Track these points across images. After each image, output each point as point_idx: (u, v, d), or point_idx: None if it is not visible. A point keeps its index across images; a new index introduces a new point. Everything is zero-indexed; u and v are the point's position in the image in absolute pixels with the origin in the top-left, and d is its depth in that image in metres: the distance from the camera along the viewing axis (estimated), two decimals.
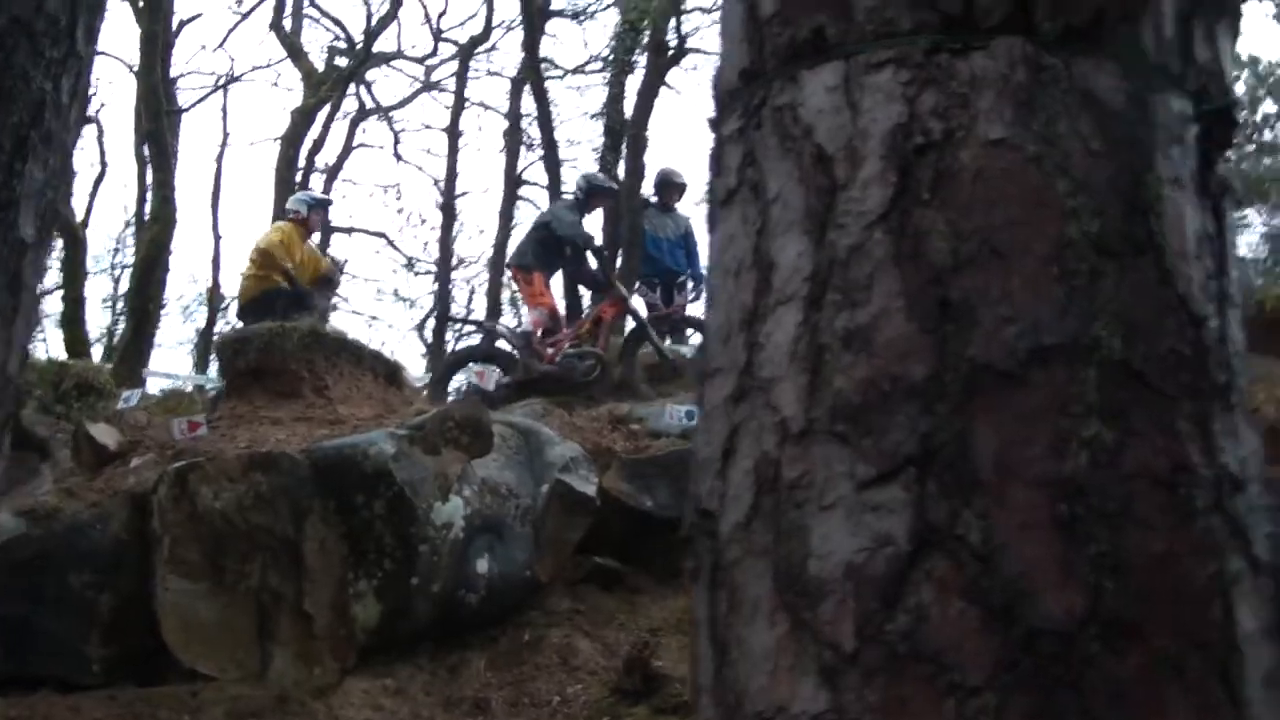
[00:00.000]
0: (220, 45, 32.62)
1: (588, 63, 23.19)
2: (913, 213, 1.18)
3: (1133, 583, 1.09)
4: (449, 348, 25.20)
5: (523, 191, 23.62)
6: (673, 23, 18.45)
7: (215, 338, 19.02)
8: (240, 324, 12.39)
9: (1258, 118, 25.98)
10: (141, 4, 17.86)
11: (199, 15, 32.54)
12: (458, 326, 26.61)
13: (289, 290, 12.06)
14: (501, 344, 12.13)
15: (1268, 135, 25.82)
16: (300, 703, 6.92)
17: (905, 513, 1.11)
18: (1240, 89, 25.65)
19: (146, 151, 18.51)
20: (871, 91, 1.24)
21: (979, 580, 1.08)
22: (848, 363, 1.16)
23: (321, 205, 13.49)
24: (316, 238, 13.74)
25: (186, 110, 22.86)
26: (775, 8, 1.31)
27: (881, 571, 1.10)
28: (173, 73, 20.95)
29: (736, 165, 1.32)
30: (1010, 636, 1.06)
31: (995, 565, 1.08)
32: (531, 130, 21.96)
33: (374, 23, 23.87)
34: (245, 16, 24.66)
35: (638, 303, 11.62)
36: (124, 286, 23.77)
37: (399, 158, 26.98)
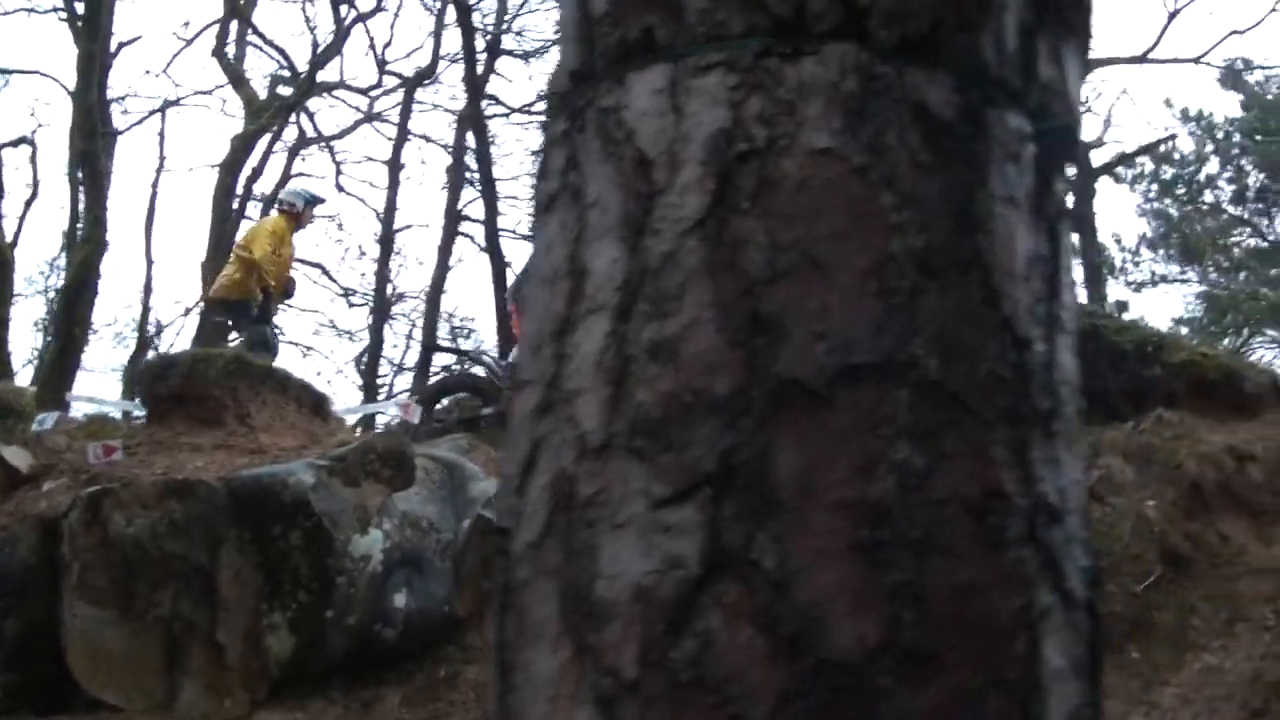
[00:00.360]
0: (164, 70, 32.53)
1: (534, 101, 23.23)
2: (730, 221, 1.13)
3: (933, 613, 1.03)
4: (385, 382, 25.09)
5: (463, 227, 23.56)
6: None
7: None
8: (209, 315, 12.28)
9: (1201, 177, 26.31)
10: (80, 24, 17.68)
11: (138, 38, 32.37)
12: (396, 362, 26.56)
13: (260, 310, 12.10)
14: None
15: (1209, 196, 26.13)
16: None
17: (698, 534, 1.05)
18: (1189, 145, 25.99)
19: (81, 173, 18.29)
20: (697, 95, 1.18)
21: (771, 607, 1.02)
22: (652, 375, 1.10)
23: (316, 202, 13.50)
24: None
25: (122, 133, 22.63)
26: (606, 7, 1.26)
27: (670, 595, 1.04)
28: (111, 95, 20.73)
29: (559, 169, 1.26)
30: (798, 667, 1.00)
31: (788, 592, 1.02)
32: (475, 165, 21.94)
33: (318, 52, 23.76)
34: (189, 43, 24.55)
35: None
36: None
37: (340, 188, 26.78)
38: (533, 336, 1.24)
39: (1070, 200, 1.29)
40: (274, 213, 13.16)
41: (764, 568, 1.03)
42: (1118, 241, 27.02)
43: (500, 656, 1.14)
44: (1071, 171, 1.30)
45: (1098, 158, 20.84)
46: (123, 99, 22.90)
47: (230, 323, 12.25)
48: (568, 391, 1.15)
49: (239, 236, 13.37)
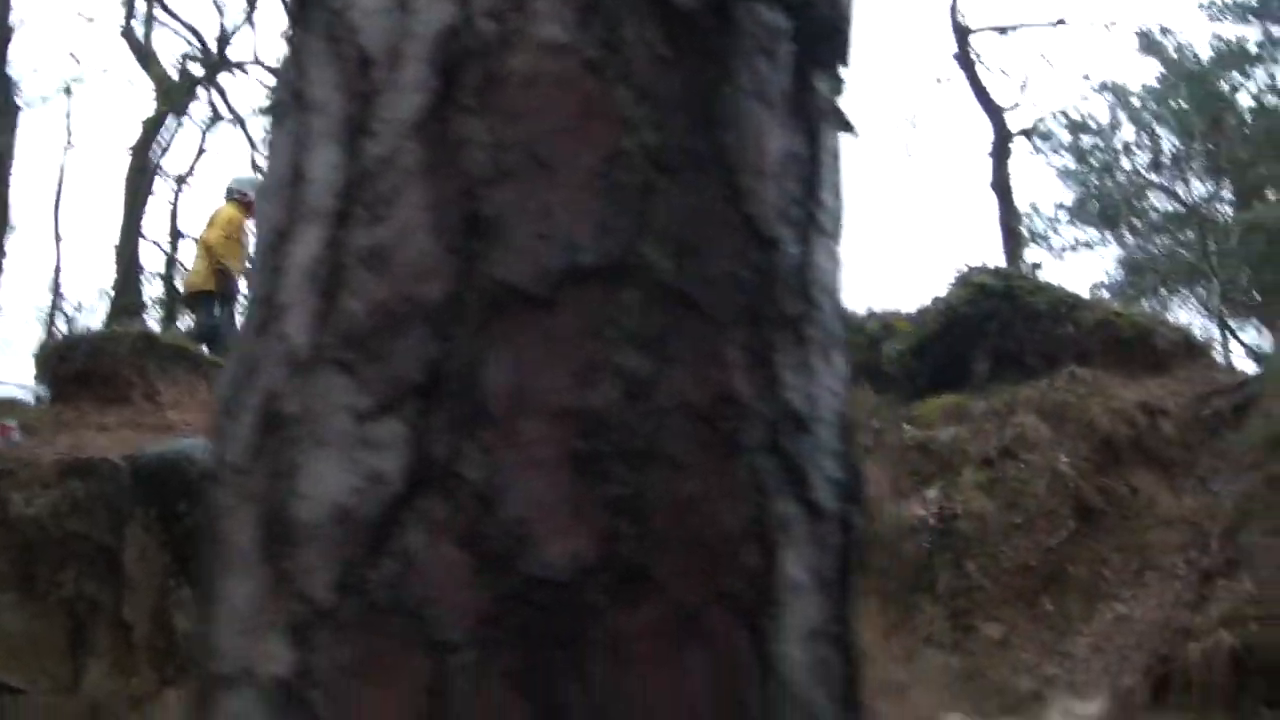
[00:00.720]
0: (71, 52, 32.09)
1: None
2: (452, 120, 1.05)
3: (653, 527, 0.96)
4: None
5: None
6: None
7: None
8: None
9: (1117, 144, 26.52)
10: None
11: (42, 14, 31.85)
12: None
13: (222, 292, 11.95)
14: None
15: (1125, 163, 26.35)
16: (115, 714, 6.71)
17: (403, 448, 0.97)
18: (1105, 116, 26.17)
19: None
20: None
21: (476, 523, 0.94)
22: (364, 284, 1.03)
23: None
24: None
25: (23, 111, 22.05)
26: None
27: (371, 514, 0.96)
28: (14, 73, 20.17)
29: (289, 77, 1.18)
30: (502, 586, 0.93)
31: (495, 507, 0.95)
32: None
33: (227, 28, 23.22)
34: (94, 20, 24.04)
35: None
36: None
37: (256, 167, 26.25)
38: (257, 252, 1.16)
39: (840, 101, 1.22)
40: (224, 203, 12.88)
41: (470, 482, 0.95)
42: (1036, 210, 27.22)
43: (203, 588, 1.07)
44: (842, 70, 1.23)
45: (1015, 122, 20.93)
46: (24, 79, 22.38)
47: (208, 309, 12.09)
48: (280, 305, 1.07)
49: (202, 230, 13.12)
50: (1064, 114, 23.88)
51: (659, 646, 0.94)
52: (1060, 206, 27.34)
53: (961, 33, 20.61)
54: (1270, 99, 25.31)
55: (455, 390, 0.98)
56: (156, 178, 21.72)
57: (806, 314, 1.10)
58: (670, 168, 1.05)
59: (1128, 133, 26.69)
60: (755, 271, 1.06)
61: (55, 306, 24.14)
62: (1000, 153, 20.17)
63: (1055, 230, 27.17)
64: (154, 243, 23.11)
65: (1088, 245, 26.92)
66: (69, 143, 28.22)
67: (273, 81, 24.62)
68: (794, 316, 1.09)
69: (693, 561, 0.97)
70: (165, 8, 23.63)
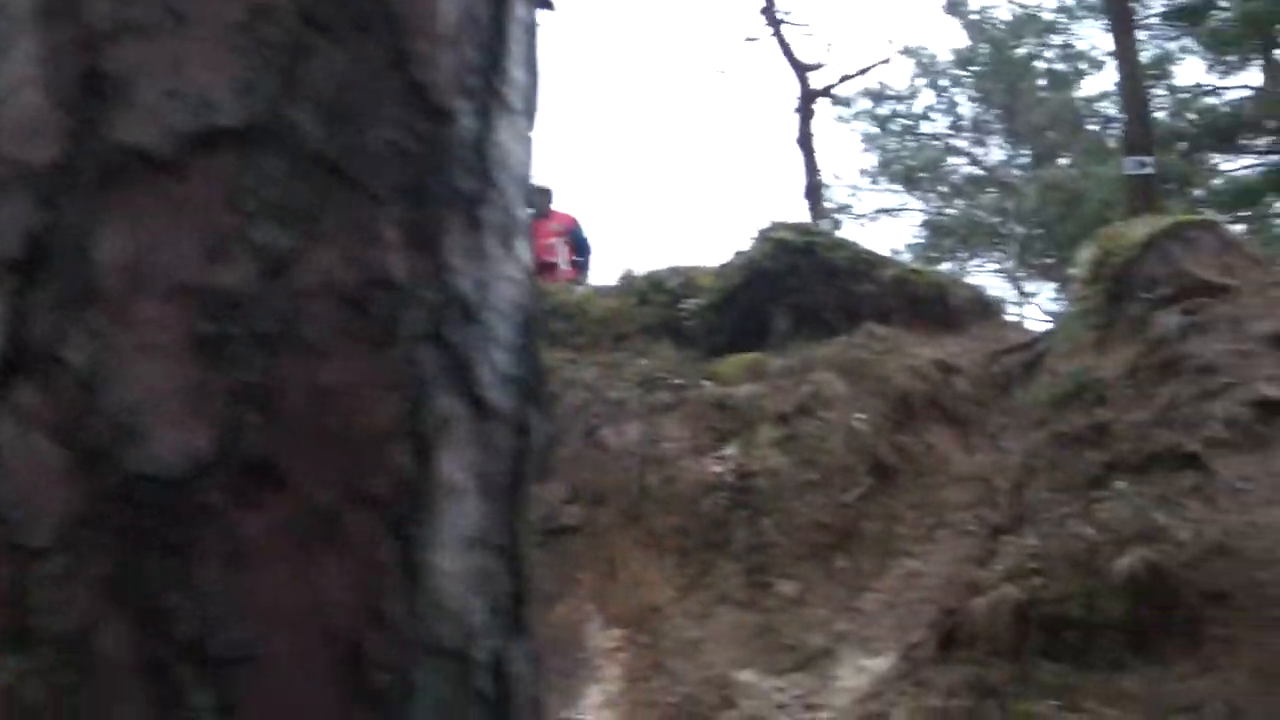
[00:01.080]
0: None
1: None
2: None
3: (285, 420, 0.84)
4: None
5: None
6: None
7: None
8: None
9: (918, 109, 26.99)
10: None
11: None
12: None
13: None
14: None
15: (925, 127, 26.83)
16: None
17: None
18: (907, 81, 26.60)
19: None
20: None
21: (77, 415, 0.82)
22: None
23: None
24: None
25: None
26: None
27: None
28: None
29: None
30: (100, 485, 0.81)
31: (100, 395, 0.82)
32: None
33: None
34: None
35: None
36: None
37: None
38: None
39: None
40: None
41: (73, 367, 0.83)
42: (837, 178, 27.42)
43: None
44: None
45: (820, 81, 21.02)
46: None
47: None
48: None
49: None
50: (862, 73, 24.03)
51: (285, 550, 0.83)
52: (864, 172, 27.66)
53: None
54: (1061, 66, 25.94)
55: (61, 265, 0.85)
56: None
57: (482, 194, 0.99)
58: (326, 26, 0.94)
59: (929, 97, 27.17)
60: (422, 144, 0.95)
61: None
62: (805, 111, 20.28)
63: (856, 195, 27.44)
64: None
65: (888, 213, 27.27)
66: None
67: None
68: (467, 196, 0.98)
69: (330, 459, 0.86)
70: None
